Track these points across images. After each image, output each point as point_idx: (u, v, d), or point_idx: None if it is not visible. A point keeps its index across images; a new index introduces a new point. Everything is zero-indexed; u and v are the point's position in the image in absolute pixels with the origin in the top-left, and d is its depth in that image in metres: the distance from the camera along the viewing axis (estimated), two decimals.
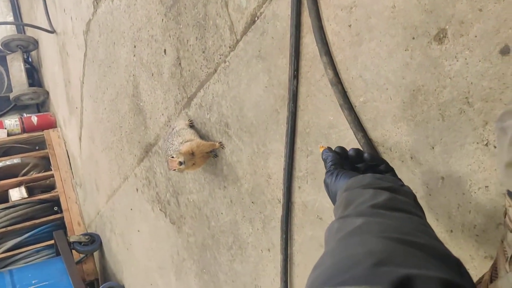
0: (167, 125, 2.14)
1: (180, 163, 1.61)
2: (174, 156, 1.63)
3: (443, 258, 0.46)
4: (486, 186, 0.84)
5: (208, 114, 1.76)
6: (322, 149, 0.90)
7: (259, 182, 1.53)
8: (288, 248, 1.45)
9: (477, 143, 0.84)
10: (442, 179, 0.92)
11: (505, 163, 0.58)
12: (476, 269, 0.89)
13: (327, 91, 1.16)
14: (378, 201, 0.61)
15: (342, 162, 0.85)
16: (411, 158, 0.98)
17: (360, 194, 0.65)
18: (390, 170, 0.86)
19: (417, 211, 0.63)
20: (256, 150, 1.51)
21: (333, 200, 0.78)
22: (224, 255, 1.91)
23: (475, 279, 0.90)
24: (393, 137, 1.01)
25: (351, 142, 1.12)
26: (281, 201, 1.41)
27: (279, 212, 1.44)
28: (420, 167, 0.96)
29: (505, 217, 0.64)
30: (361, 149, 0.84)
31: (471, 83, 0.83)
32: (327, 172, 0.82)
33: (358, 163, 0.86)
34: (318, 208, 1.29)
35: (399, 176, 1.01)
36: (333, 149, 0.87)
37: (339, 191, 0.73)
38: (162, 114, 2.17)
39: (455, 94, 0.86)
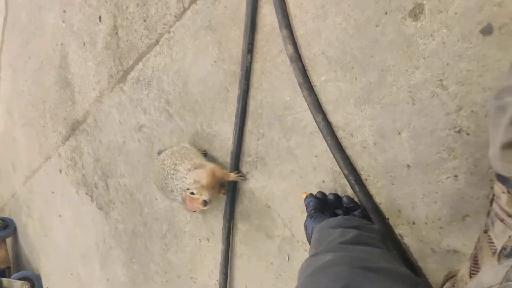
0: (99, 101, 1.93)
1: (205, 203, 1.16)
2: (195, 192, 1.16)
3: (401, 277, 0.59)
4: (455, 176, 0.79)
5: (146, 90, 1.60)
6: (305, 195, 1.00)
7: None
8: (231, 238, 1.34)
9: (449, 129, 0.78)
10: (408, 167, 0.86)
11: (501, 144, 0.52)
12: (438, 263, 0.84)
13: (284, 68, 1.07)
14: (346, 238, 0.72)
15: (322, 207, 0.94)
16: (375, 144, 0.91)
17: (330, 233, 0.77)
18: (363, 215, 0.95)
19: (380, 245, 0.75)
20: (200, 130, 1.38)
21: (309, 240, 0.89)
22: (157, 244, 1.76)
23: (436, 274, 0.86)
24: (355, 121, 0.94)
25: (308, 124, 1.03)
26: (226, 187, 1.30)
27: (222, 199, 1.33)
28: (384, 154, 0.89)
29: (491, 205, 0.58)
30: (339, 194, 0.97)
31: (447, 64, 0.77)
32: (307, 216, 0.92)
33: (337, 207, 0.95)
34: (267, 196, 1.19)
35: (360, 163, 0.95)
36: (314, 194, 0.97)
37: (314, 233, 0.84)
38: (94, 89, 1.96)
39: (428, 75, 0.80)
